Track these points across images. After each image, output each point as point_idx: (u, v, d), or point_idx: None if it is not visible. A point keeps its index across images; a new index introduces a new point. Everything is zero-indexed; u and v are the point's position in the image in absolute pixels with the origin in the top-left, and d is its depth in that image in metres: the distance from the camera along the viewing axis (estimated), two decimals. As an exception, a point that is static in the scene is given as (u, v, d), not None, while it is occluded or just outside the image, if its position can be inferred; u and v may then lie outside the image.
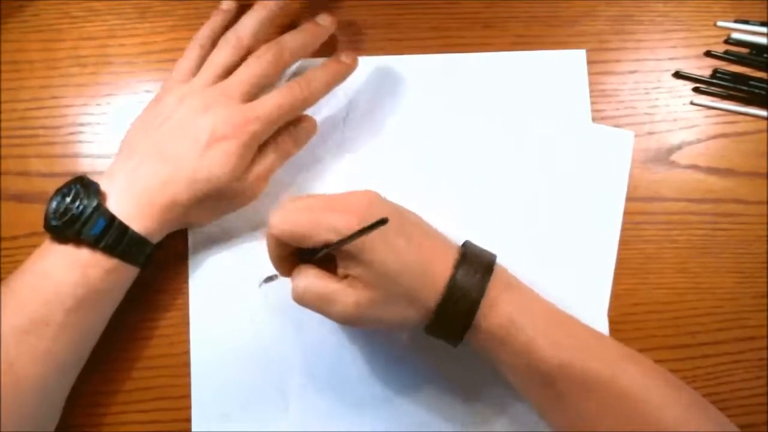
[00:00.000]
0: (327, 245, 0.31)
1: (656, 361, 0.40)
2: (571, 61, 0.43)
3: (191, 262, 0.40)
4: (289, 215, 0.32)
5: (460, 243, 0.35)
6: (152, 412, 0.39)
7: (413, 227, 0.33)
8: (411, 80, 0.43)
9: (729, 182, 0.43)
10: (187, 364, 0.39)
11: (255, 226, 0.40)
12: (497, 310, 0.32)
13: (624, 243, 0.41)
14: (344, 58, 0.39)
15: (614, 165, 0.42)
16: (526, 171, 0.42)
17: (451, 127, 0.42)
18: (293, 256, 0.34)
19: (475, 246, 0.34)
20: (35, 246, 0.40)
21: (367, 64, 0.43)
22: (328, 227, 0.30)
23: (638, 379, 0.31)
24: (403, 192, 0.41)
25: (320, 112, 0.42)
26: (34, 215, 0.40)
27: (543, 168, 0.42)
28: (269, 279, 0.40)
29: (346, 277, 0.32)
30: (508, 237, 0.40)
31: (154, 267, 0.40)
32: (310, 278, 0.33)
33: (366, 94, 0.42)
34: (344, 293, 0.31)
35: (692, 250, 0.42)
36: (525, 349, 0.31)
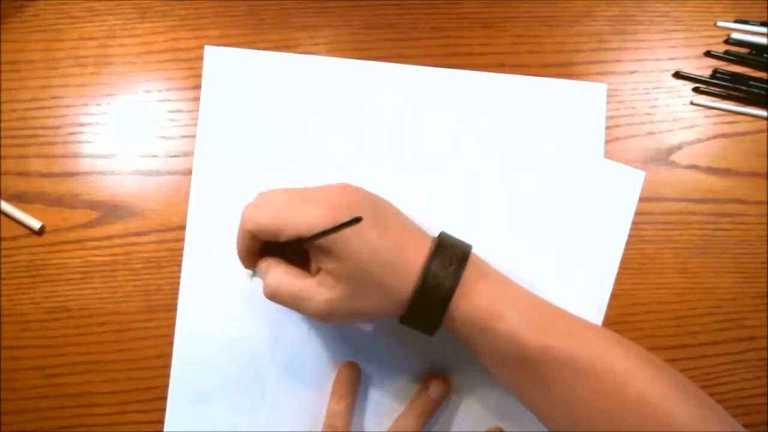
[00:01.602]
0: (299, 240, 0.30)
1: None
2: (591, 93, 0.43)
3: (185, 248, 0.40)
4: (261, 209, 0.32)
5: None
6: (152, 412, 0.39)
7: (387, 217, 0.33)
8: (424, 95, 0.42)
9: (729, 182, 0.43)
10: (187, 364, 0.39)
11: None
12: (473, 299, 0.31)
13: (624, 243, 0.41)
14: (432, 391, 0.38)
15: (620, 203, 0.41)
16: (530, 198, 0.41)
17: (458, 147, 0.41)
18: (261, 249, 0.34)
19: (450, 236, 0.34)
20: (35, 246, 0.40)
21: (373, 72, 0.42)
22: (300, 221, 0.30)
23: (624, 360, 0.31)
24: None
25: (328, 119, 0.42)
26: (34, 215, 0.40)
27: (547, 198, 0.41)
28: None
29: (318, 271, 0.32)
30: (504, 263, 0.40)
31: (154, 267, 0.40)
32: (282, 275, 0.32)
33: (376, 105, 0.42)
34: (317, 290, 0.31)
35: (692, 250, 0.42)
36: (505, 336, 0.31)
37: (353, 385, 0.38)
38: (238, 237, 0.34)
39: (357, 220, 0.28)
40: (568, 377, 0.30)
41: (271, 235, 0.32)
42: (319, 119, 0.42)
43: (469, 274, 0.32)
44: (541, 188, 0.41)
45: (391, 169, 0.41)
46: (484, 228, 0.41)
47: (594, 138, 0.42)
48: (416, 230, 0.34)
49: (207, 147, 0.41)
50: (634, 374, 0.30)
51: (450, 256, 0.32)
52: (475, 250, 0.34)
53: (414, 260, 0.32)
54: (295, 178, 0.41)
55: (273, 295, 0.33)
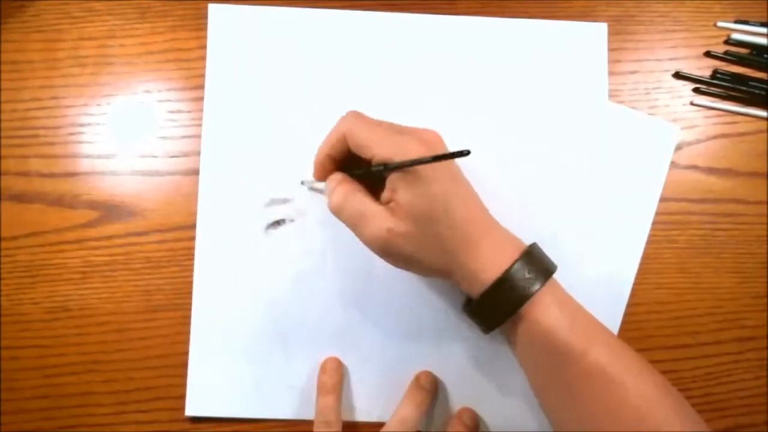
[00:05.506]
0: (389, 163, 0.30)
1: (656, 362, 0.40)
2: (591, 34, 0.43)
3: (200, 204, 0.40)
4: (365, 121, 0.33)
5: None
6: (152, 412, 0.39)
7: (469, 192, 0.33)
8: (422, 42, 0.42)
9: (729, 182, 0.43)
10: (186, 365, 0.39)
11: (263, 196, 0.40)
12: (536, 312, 0.32)
13: (624, 243, 0.41)
14: (425, 383, 0.39)
15: (653, 159, 0.41)
16: (554, 155, 0.41)
17: (463, 99, 0.41)
18: (338, 163, 0.34)
19: (540, 249, 0.34)
20: (35, 246, 0.40)
21: (370, 21, 0.42)
22: (394, 144, 0.31)
23: (651, 389, 0.31)
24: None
25: (322, 74, 0.42)
26: (34, 215, 0.40)
27: (571, 152, 0.41)
28: (302, 183, 0.40)
29: (388, 203, 0.32)
30: (528, 226, 0.39)
31: (154, 267, 0.40)
32: (353, 191, 0.32)
33: (371, 55, 0.42)
34: (382, 216, 0.31)
35: (692, 250, 0.42)
36: (546, 334, 0.32)
37: (338, 377, 0.39)
38: (326, 140, 0.34)
39: (464, 153, 0.27)
40: (599, 386, 0.31)
41: (361, 146, 0.32)
42: (326, 72, 0.41)
43: (544, 291, 0.32)
44: (556, 140, 0.41)
45: (397, 119, 0.41)
46: (493, 182, 0.40)
47: (598, 81, 0.42)
48: (495, 223, 0.34)
49: (215, 108, 0.41)
50: (656, 404, 0.30)
51: (535, 267, 0.32)
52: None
53: (485, 252, 0.32)
54: (306, 133, 0.40)
55: (337, 209, 0.33)
